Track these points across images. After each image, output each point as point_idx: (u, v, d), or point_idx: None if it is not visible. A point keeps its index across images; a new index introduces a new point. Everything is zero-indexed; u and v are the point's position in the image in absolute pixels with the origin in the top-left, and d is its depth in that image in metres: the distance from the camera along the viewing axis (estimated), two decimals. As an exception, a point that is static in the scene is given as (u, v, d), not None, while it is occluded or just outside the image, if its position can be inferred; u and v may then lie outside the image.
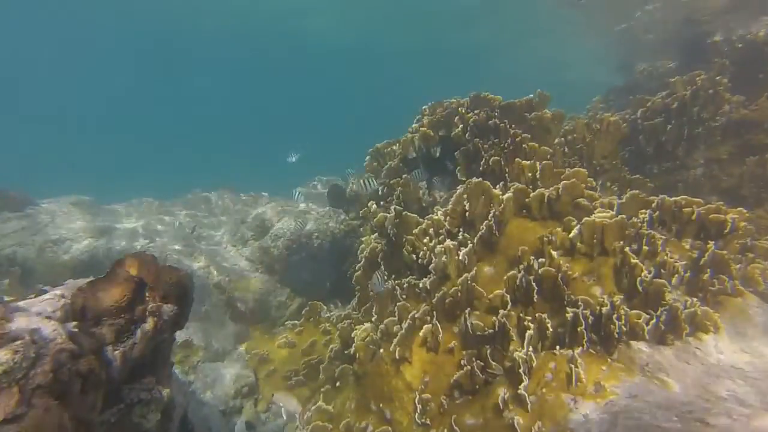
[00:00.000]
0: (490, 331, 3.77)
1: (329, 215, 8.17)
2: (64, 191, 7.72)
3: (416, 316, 4.10)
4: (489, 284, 4.18)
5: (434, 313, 4.06)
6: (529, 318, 3.75)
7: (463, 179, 5.14)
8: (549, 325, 3.64)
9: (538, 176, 4.64)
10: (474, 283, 4.04)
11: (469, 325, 3.88)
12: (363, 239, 6.24)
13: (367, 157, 6.79)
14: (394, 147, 6.50)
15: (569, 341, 3.58)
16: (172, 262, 6.62)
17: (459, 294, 4.03)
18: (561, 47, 20.28)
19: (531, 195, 4.31)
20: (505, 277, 4.02)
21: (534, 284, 3.81)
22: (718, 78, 5.91)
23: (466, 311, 3.97)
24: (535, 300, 3.83)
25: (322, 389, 5.13)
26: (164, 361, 2.81)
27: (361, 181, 5.01)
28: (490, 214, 4.26)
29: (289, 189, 9.45)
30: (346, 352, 5.13)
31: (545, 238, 4.06)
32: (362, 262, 5.37)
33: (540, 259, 3.97)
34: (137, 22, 24.50)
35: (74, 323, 1.76)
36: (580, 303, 3.62)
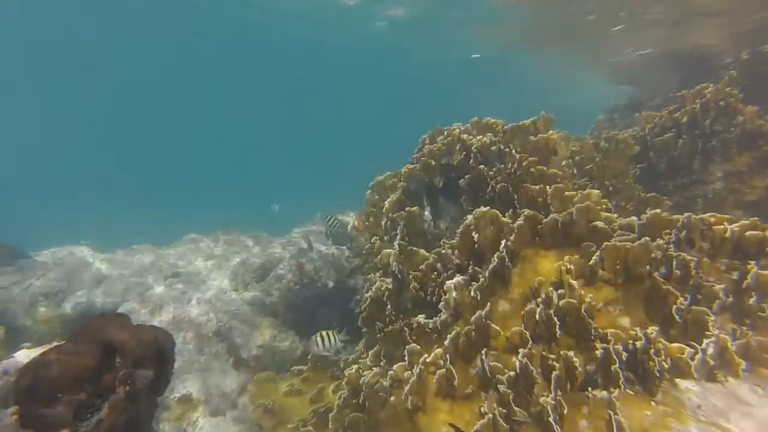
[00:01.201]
0: (511, 373, 3.39)
1: (332, 253, 7.89)
2: (58, 236, 7.51)
3: (428, 360, 3.73)
4: (505, 320, 3.81)
5: (447, 356, 3.68)
6: (553, 356, 3.37)
7: (470, 208, 4.86)
8: (577, 364, 3.26)
9: (549, 201, 4.35)
10: (489, 321, 3.69)
11: (486, 367, 3.50)
12: (368, 277, 5.91)
13: (368, 191, 6.56)
14: (395, 179, 6.27)
15: (602, 382, 3.18)
16: (168, 309, 6.31)
17: (473, 333, 3.67)
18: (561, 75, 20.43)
19: (543, 221, 4.01)
20: (522, 312, 3.67)
21: (555, 318, 3.44)
22: (728, 89, 5.68)
23: (483, 352, 3.59)
24: (558, 335, 3.46)
25: (332, 441, 4.71)
26: (143, 433, 2.47)
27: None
28: (501, 245, 3.95)
29: (290, 228, 9.24)
30: (355, 400, 4.72)
31: (563, 267, 3.72)
32: (367, 302, 5.02)
33: (559, 290, 3.63)
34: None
35: (14, 409, 1.46)
36: (609, 337, 3.25)
